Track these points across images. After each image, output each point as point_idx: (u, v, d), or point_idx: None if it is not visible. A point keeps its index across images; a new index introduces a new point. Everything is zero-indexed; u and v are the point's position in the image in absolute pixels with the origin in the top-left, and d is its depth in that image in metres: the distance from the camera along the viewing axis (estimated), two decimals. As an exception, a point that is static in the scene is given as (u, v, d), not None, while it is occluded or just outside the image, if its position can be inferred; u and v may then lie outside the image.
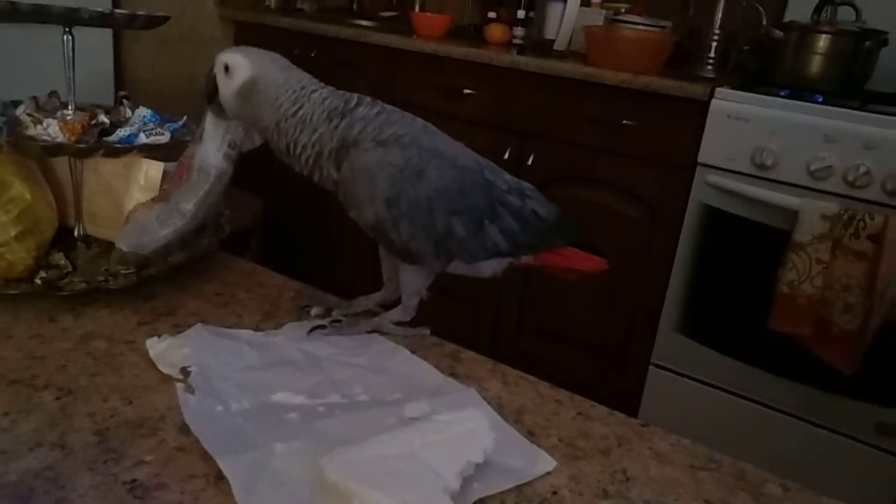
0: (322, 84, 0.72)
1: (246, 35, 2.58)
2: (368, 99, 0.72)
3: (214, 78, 0.71)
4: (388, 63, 2.23)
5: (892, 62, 1.88)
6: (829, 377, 1.64)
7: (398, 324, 0.77)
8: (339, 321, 0.76)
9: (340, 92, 0.72)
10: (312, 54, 2.35)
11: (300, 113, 0.69)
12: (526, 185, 0.76)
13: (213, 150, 0.76)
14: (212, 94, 0.72)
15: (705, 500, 0.57)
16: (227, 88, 0.71)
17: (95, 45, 2.15)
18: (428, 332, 0.77)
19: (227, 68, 0.70)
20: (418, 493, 0.49)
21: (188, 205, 0.76)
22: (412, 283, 0.75)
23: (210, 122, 0.76)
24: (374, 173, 0.67)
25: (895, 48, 1.86)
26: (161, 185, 0.83)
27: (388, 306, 0.79)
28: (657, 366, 1.94)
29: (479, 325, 2.21)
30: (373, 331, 0.76)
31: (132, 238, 0.76)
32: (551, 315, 2.09)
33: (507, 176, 0.75)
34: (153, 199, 0.80)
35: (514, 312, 2.16)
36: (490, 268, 0.76)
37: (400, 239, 0.69)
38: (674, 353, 1.90)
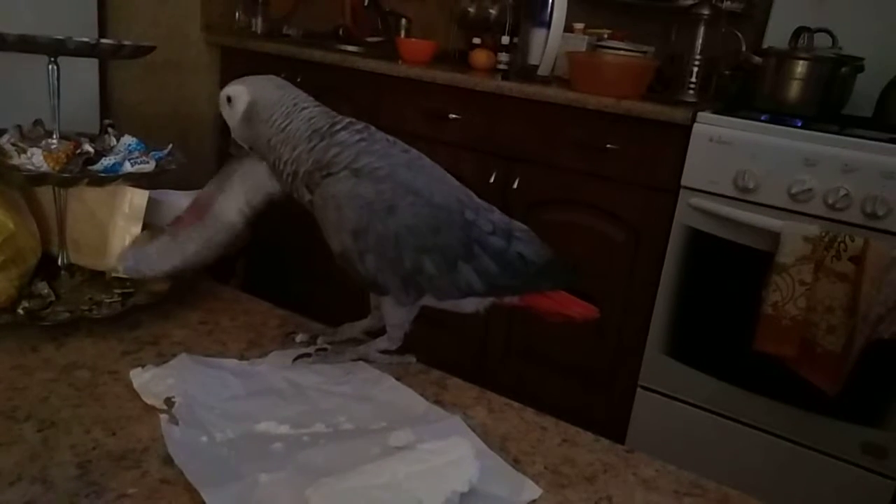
0: (315, 103, 0.73)
1: (232, 61, 2.59)
2: (359, 125, 0.72)
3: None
4: (374, 88, 2.25)
5: (867, 87, 1.92)
6: (814, 398, 1.65)
7: (384, 352, 0.76)
8: (325, 349, 0.76)
9: (331, 113, 0.72)
10: (298, 79, 2.36)
11: (288, 128, 0.70)
12: (518, 226, 0.74)
13: (231, 204, 0.77)
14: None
15: (690, 526, 0.57)
16: (233, 119, 0.74)
17: (81, 71, 2.15)
18: (414, 359, 0.77)
19: (229, 100, 0.74)
20: (403, 523, 0.49)
21: (191, 246, 0.77)
22: (393, 315, 0.75)
23: (238, 177, 0.78)
24: (342, 203, 0.67)
25: (870, 74, 1.90)
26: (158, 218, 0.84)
27: (374, 334, 0.79)
28: (644, 388, 1.94)
29: (465, 349, 2.21)
30: (358, 359, 0.76)
31: (129, 260, 0.77)
32: (538, 338, 2.09)
33: (497, 216, 0.73)
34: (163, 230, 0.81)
35: (501, 336, 2.16)
36: (472, 304, 0.75)
37: (365, 270, 0.69)
38: (661, 376, 1.91)
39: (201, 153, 2.59)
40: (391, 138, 0.73)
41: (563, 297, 0.77)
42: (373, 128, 0.73)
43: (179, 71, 2.52)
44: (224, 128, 0.76)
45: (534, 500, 0.57)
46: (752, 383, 1.76)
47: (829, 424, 1.69)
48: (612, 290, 1.94)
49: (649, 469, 0.63)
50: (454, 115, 2.12)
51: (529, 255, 0.72)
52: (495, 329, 2.16)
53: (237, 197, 0.77)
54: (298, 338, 0.78)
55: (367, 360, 0.76)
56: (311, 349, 0.76)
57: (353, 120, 0.72)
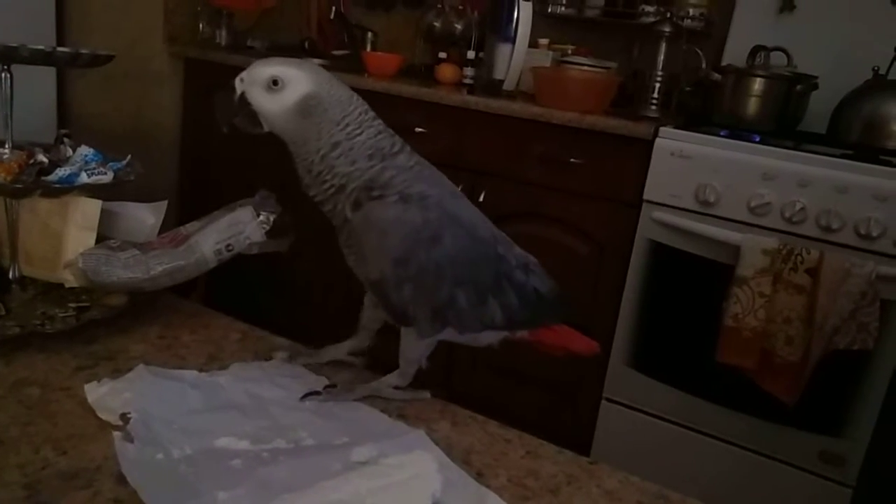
0: (374, 114, 0.70)
1: (195, 73, 2.56)
2: (409, 147, 0.70)
3: (241, 97, 0.67)
4: (340, 101, 2.24)
5: (821, 105, 1.97)
6: (773, 408, 1.68)
7: (396, 388, 0.73)
8: (334, 386, 0.72)
9: (391, 131, 0.70)
10: (263, 92, 2.34)
11: (358, 138, 0.66)
12: (531, 259, 0.74)
13: (211, 240, 0.75)
14: (233, 113, 0.67)
15: (653, 537, 0.57)
16: (276, 104, 0.66)
17: (38, 80, 2.10)
18: (428, 395, 0.75)
19: (275, 83, 0.66)
20: (365, 540, 0.48)
21: (157, 267, 0.75)
22: (413, 350, 0.72)
23: (227, 220, 0.76)
24: (387, 230, 0.65)
25: (824, 92, 1.96)
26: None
27: (358, 355, 0.78)
28: (609, 400, 1.95)
29: (432, 362, 2.19)
30: (370, 396, 0.72)
31: (93, 261, 0.75)
32: (504, 351, 2.09)
33: (518, 250, 0.73)
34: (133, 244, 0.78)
35: (468, 349, 2.15)
36: (487, 339, 0.75)
37: (399, 300, 0.66)
38: (625, 387, 1.92)
39: (163, 165, 2.54)
40: (431, 166, 0.72)
41: (566, 332, 0.77)
42: (415, 153, 0.71)
43: (141, 82, 2.47)
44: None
45: (497, 514, 0.57)
46: (713, 394, 1.79)
47: (788, 434, 1.72)
48: (577, 303, 1.95)
49: (612, 480, 0.64)
50: (420, 129, 2.12)
51: (542, 289, 0.72)
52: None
53: (219, 236, 0.76)
54: (279, 356, 0.76)
55: (380, 397, 0.72)
56: (319, 387, 0.71)
57: (405, 143, 0.70)
